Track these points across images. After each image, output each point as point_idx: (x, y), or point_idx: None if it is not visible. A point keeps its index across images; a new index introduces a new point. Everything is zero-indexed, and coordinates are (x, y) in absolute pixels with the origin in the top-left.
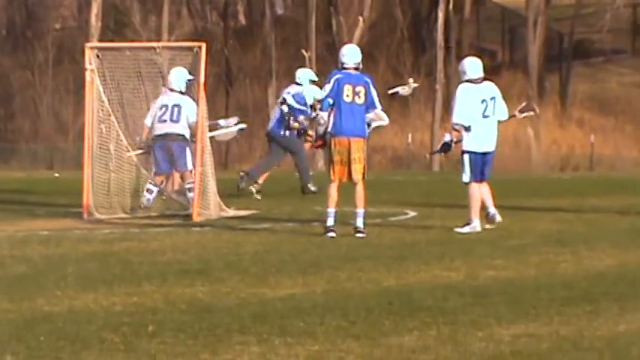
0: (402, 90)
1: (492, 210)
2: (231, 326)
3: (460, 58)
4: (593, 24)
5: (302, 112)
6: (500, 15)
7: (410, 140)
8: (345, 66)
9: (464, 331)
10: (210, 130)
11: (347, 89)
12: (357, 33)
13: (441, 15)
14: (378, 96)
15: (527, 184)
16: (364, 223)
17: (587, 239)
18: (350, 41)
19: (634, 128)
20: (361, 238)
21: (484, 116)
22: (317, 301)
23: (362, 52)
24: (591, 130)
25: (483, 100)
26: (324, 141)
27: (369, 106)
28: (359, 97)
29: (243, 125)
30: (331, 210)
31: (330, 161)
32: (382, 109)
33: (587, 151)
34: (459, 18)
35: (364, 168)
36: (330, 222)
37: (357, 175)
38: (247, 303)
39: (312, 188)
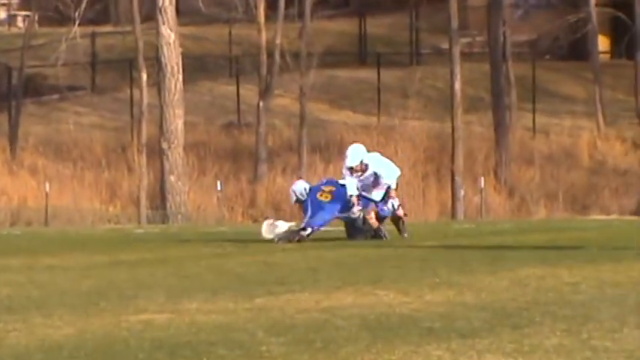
0: None
1: None
2: None
3: None
4: (47, 57)
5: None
6: None
7: None
8: None
9: None
10: None
11: None
12: None
13: None
14: None
15: None
16: None
17: (41, 305)
18: None
19: (94, 176)
20: None
21: None
22: None
23: None
24: (46, 178)
25: None
26: None
27: None
28: None
29: None
30: None
31: None
32: None
33: (41, 204)
34: None
35: None
36: None
37: None
38: None
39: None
